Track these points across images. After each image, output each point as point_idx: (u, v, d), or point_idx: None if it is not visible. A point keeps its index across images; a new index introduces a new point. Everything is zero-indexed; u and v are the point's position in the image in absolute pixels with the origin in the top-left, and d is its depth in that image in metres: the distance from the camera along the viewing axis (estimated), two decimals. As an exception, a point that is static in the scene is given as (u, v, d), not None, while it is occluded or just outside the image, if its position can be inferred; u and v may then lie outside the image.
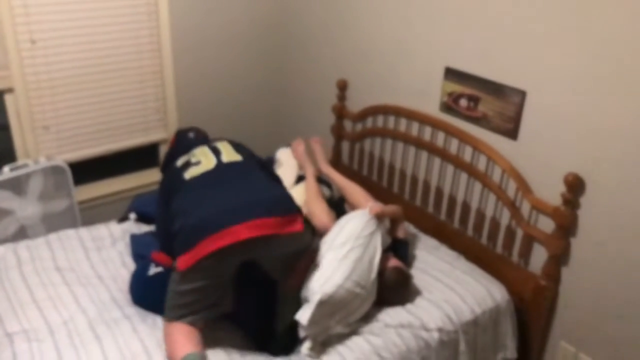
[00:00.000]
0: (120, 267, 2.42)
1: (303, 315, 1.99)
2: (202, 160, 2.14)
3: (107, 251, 2.52)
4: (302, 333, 2.02)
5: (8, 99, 2.93)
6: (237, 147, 2.29)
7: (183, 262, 1.88)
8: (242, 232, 1.86)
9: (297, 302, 2.09)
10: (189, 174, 2.11)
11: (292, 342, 2.08)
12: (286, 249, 2.02)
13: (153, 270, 2.16)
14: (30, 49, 2.90)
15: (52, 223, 3.02)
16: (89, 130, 3.22)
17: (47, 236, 2.62)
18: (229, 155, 2.18)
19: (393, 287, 2.29)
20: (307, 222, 2.10)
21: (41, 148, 3.09)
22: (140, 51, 3.23)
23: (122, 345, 2.00)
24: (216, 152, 2.19)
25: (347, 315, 2.11)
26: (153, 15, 3.20)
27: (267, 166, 2.34)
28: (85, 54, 3.06)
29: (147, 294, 2.16)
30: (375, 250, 2.24)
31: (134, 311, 2.17)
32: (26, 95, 2.95)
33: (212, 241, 1.85)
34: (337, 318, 2.07)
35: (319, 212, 2.38)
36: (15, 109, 2.96)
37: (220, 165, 2.10)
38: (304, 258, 2.13)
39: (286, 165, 2.79)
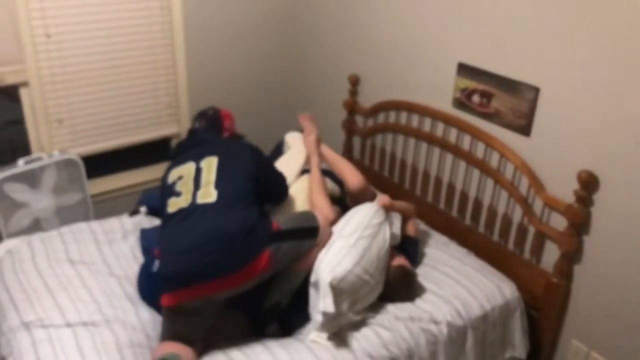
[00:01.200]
0: (131, 260, 2.44)
1: (327, 305, 2.00)
2: (182, 192, 2.12)
3: (118, 244, 2.55)
4: (322, 320, 2.04)
5: (23, 92, 2.96)
6: (224, 168, 2.18)
7: (165, 300, 1.96)
8: (208, 289, 1.93)
9: (293, 282, 2.11)
10: (171, 205, 2.11)
11: (287, 323, 2.13)
12: (259, 281, 2.03)
13: (157, 266, 2.18)
14: (45, 43, 2.92)
15: (66, 216, 3.05)
16: (102, 125, 3.24)
17: (60, 229, 2.64)
18: (206, 191, 2.10)
19: (396, 285, 2.29)
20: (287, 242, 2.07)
21: (55, 141, 3.12)
22: (153, 46, 3.24)
23: (132, 336, 2.03)
24: (197, 182, 2.13)
25: (356, 302, 2.12)
26: (166, 10, 3.21)
27: (249, 181, 2.17)
28: (99, 49, 3.08)
29: (152, 290, 2.19)
30: (384, 241, 2.24)
31: (143, 304, 2.20)
32: (41, 89, 2.98)
33: (178, 294, 1.93)
34: (346, 305, 2.08)
35: (319, 204, 2.37)
36: (30, 103, 2.99)
37: (193, 205, 2.07)
38: (304, 256, 2.13)
39: (294, 149, 2.76)
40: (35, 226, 2.97)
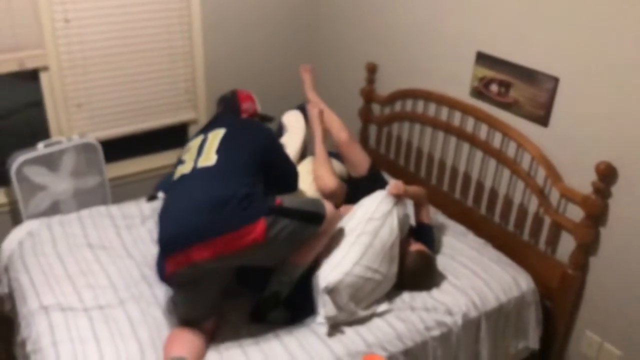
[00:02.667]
0: (150, 245, 2.48)
1: (328, 311, 2.02)
2: (186, 160, 2.15)
3: (137, 229, 2.58)
4: (327, 324, 2.05)
5: (43, 77, 2.99)
6: (229, 138, 2.17)
7: (165, 269, 1.98)
8: (195, 254, 1.88)
9: (292, 274, 2.09)
10: (176, 173, 2.15)
11: (293, 311, 2.12)
12: (253, 257, 1.98)
13: None
14: (65, 27, 2.94)
15: (84, 199, 3.09)
16: (120, 109, 3.27)
17: (79, 212, 2.69)
18: (207, 156, 2.11)
19: (415, 271, 2.28)
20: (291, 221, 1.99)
21: (74, 125, 3.15)
22: (171, 32, 3.25)
23: (149, 320, 2.06)
24: (200, 150, 2.15)
25: (362, 299, 2.11)
26: (184, -4, 3.22)
27: (255, 157, 2.14)
28: (118, 34, 3.10)
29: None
30: (391, 233, 2.20)
31: (162, 288, 2.23)
32: (60, 73, 3.01)
33: (170, 262, 1.93)
34: (351, 303, 2.08)
35: (322, 174, 2.38)
36: (49, 87, 3.02)
37: (193, 170, 2.08)
38: (306, 244, 2.08)
39: (292, 131, 2.74)
40: (54, 209, 3.02)
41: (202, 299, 2.01)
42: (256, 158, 2.11)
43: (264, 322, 2.09)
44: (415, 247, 2.34)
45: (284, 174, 2.31)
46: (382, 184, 2.48)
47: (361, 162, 2.64)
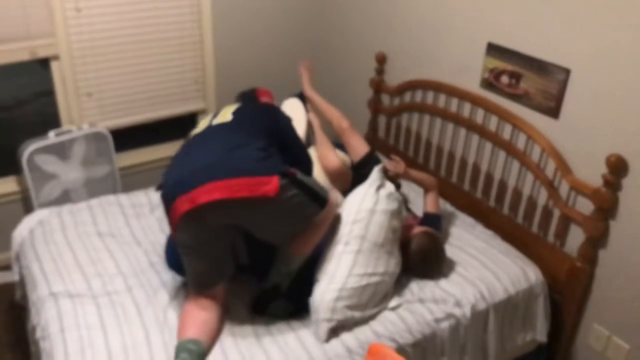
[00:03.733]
0: (158, 233, 2.50)
1: (321, 336, 1.99)
2: (201, 125, 2.14)
3: (146, 218, 2.60)
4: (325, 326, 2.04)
5: (54, 66, 3.01)
6: (245, 107, 2.15)
7: (171, 219, 1.92)
8: (205, 193, 1.81)
9: (290, 266, 2.07)
10: (191, 136, 2.12)
11: (295, 304, 2.11)
12: (257, 216, 1.90)
13: None
14: (76, 17, 2.95)
15: (94, 188, 3.12)
16: (130, 99, 3.28)
17: (89, 201, 2.71)
18: (223, 117, 2.10)
19: (422, 253, 2.25)
20: (300, 192, 1.95)
21: (84, 115, 3.17)
22: (181, 21, 3.25)
23: (156, 306, 2.09)
24: (215, 115, 2.14)
25: (367, 303, 2.09)
26: (194, -15, 3.22)
27: (269, 129, 2.10)
28: (128, 23, 3.11)
29: (179, 258, 2.23)
30: (381, 227, 2.12)
31: (170, 276, 2.25)
32: (71, 62, 3.02)
33: (175, 207, 1.86)
34: (357, 310, 2.06)
35: (325, 152, 2.38)
36: (60, 76, 3.04)
37: (208, 128, 2.06)
38: (307, 231, 2.04)
39: (293, 120, 2.74)
40: (65, 197, 3.05)
41: (207, 264, 1.98)
42: (272, 133, 2.06)
43: (265, 314, 2.08)
44: (419, 229, 2.32)
45: (297, 158, 2.22)
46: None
47: (362, 147, 2.63)
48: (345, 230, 2.11)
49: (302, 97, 2.78)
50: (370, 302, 2.09)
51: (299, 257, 2.08)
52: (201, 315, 1.94)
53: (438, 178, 2.97)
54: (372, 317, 2.11)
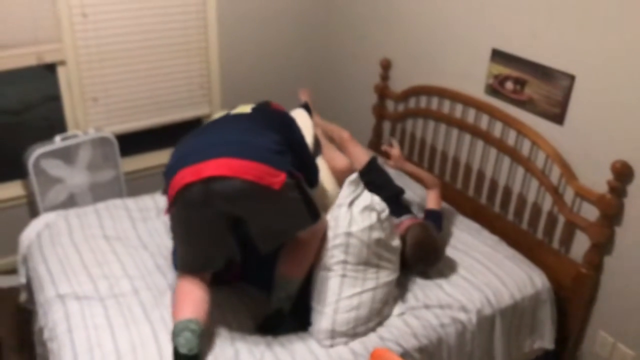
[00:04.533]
0: (165, 237, 2.50)
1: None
2: (215, 116, 2.14)
3: (152, 222, 2.60)
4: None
5: (60, 71, 3.02)
6: (260, 108, 2.14)
7: (167, 207, 1.90)
8: (206, 169, 1.78)
9: (288, 289, 2.05)
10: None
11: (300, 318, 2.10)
12: (259, 204, 1.85)
13: None
14: (82, 22, 2.97)
15: (99, 192, 3.13)
16: (136, 104, 3.30)
17: (95, 205, 2.72)
18: (242, 109, 2.12)
19: (418, 244, 2.22)
20: (296, 194, 1.91)
21: (90, 119, 3.18)
22: (186, 27, 3.27)
23: (163, 310, 2.09)
24: (232, 109, 2.17)
25: (369, 317, 2.07)
26: (200, -9, 3.24)
27: (284, 130, 2.09)
28: (134, 29, 3.12)
29: None
30: (362, 243, 2.05)
31: (173, 278, 2.25)
32: (77, 67, 3.04)
33: (178, 179, 1.82)
34: (356, 327, 2.05)
35: (333, 155, 2.42)
36: (66, 81, 3.05)
37: (226, 116, 2.07)
38: (292, 243, 2.03)
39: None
40: (70, 201, 3.06)
41: (196, 250, 1.97)
42: (286, 134, 2.06)
43: (273, 335, 2.05)
44: (410, 222, 2.32)
45: (305, 164, 2.18)
46: (380, 176, 2.59)
47: (364, 156, 2.68)
48: (327, 256, 2.07)
49: (307, 107, 2.79)
50: (370, 315, 2.08)
51: (293, 280, 2.05)
52: (197, 293, 1.93)
53: (443, 184, 2.97)
54: (378, 325, 2.10)
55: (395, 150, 2.62)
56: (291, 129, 2.16)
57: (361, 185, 2.14)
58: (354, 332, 2.04)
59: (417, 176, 2.60)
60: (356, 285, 2.06)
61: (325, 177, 2.47)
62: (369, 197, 2.11)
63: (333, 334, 2.01)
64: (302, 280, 2.07)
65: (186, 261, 2.00)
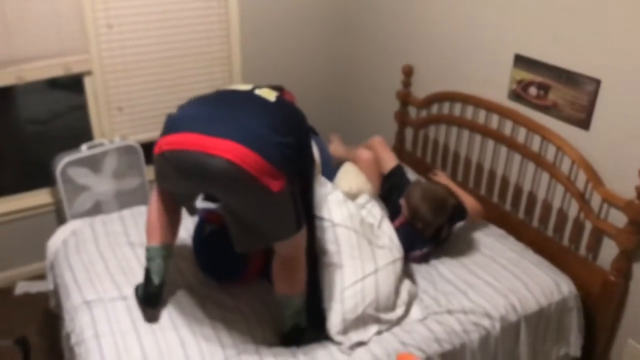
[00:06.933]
0: (188, 241, 2.52)
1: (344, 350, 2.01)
2: (237, 85, 2.08)
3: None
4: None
5: (87, 81, 3.08)
6: (285, 102, 2.07)
7: (156, 146, 1.89)
8: (213, 146, 1.73)
9: (292, 307, 2.03)
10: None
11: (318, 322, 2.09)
12: (248, 198, 1.80)
13: (209, 228, 2.26)
14: (107, 33, 3.03)
15: (125, 200, 3.17)
16: (160, 113, 3.34)
17: (120, 212, 2.76)
18: (267, 92, 2.03)
19: (425, 201, 2.36)
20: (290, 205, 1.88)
21: (115, 128, 3.23)
22: (210, 37, 3.31)
23: (187, 312, 2.12)
24: (259, 87, 2.06)
25: (377, 301, 2.08)
26: (222, 2, 3.27)
27: (296, 130, 2.01)
28: (158, 39, 3.17)
29: (206, 252, 2.29)
30: (348, 230, 2.18)
31: (200, 282, 2.29)
32: (103, 77, 3.09)
33: (182, 138, 1.78)
34: (370, 311, 2.06)
35: (354, 153, 2.59)
36: (92, 91, 3.11)
37: (248, 92, 1.98)
38: (278, 263, 2.02)
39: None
40: (96, 209, 3.10)
41: (170, 188, 2.05)
42: (299, 138, 1.98)
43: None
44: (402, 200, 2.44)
45: (305, 167, 2.15)
46: (402, 181, 2.64)
47: (392, 161, 2.75)
48: (322, 253, 2.15)
49: (314, 131, 2.79)
50: (378, 299, 2.09)
51: (294, 297, 2.03)
52: (168, 218, 2.09)
53: (466, 190, 2.95)
54: (392, 320, 2.11)
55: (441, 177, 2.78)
56: (302, 128, 2.09)
57: (329, 185, 2.35)
58: (364, 318, 2.04)
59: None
60: (356, 271, 2.11)
61: (350, 178, 2.52)
62: (340, 193, 2.33)
63: (344, 324, 2.02)
64: (303, 293, 2.05)
65: (162, 187, 2.08)
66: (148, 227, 2.11)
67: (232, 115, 1.82)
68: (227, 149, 1.72)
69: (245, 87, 2.04)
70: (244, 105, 1.89)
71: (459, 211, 2.52)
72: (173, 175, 1.88)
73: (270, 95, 2.00)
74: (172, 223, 2.12)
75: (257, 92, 1.99)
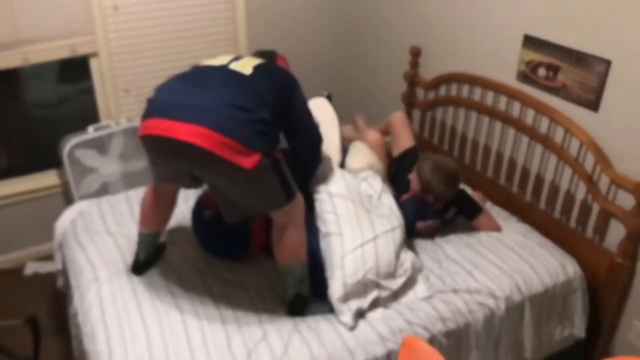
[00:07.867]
0: (190, 221, 2.53)
1: (347, 322, 2.02)
2: (217, 60, 2.06)
3: (179, 207, 2.63)
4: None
5: (93, 63, 3.08)
6: (264, 67, 2.04)
7: (139, 130, 1.92)
8: (179, 131, 1.76)
9: (292, 275, 2.06)
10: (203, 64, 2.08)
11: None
12: (228, 179, 1.86)
13: (207, 213, 2.27)
14: (113, 15, 3.02)
15: (131, 181, 3.18)
16: (167, 94, 3.34)
17: (126, 192, 2.77)
18: (243, 64, 2.01)
19: (436, 173, 2.40)
20: (273, 179, 1.91)
21: (122, 110, 3.24)
22: (216, 17, 3.29)
23: (191, 292, 2.14)
24: (236, 58, 2.06)
25: (377, 267, 2.10)
26: (229, -18, 3.25)
27: (281, 96, 2.02)
28: (164, 20, 3.16)
29: (207, 237, 2.31)
30: (345, 199, 2.25)
31: (204, 262, 2.31)
32: (109, 59, 3.09)
33: (152, 124, 1.83)
34: (370, 277, 2.08)
35: (363, 132, 2.70)
36: (99, 73, 3.11)
37: (225, 67, 1.98)
38: (276, 233, 2.04)
39: (325, 126, 2.55)
40: (103, 190, 3.12)
41: (161, 169, 2.07)
42: (282, 108, 1.99)
43: (305, 315, 2.08)
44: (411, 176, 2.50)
45: (304, 126, 2.19)
46: (413, 161, 2.64)
47: (408, 142, 2.81)
48: (321, 222, 2.21)
49: (329, 97, 2.76)
50: (381, 264, 2.10)
51: (294, 265, 2.05)
52: (159, 206, 2.19)
53: (473, 172, 2.94)
54: (408, 291, 2.14)
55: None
56: (291, 94, 2.08)
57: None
58: (365, 283, 2.05)
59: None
60: (355, 238, 2.14)
61: (361, 155, 2.56)
62: (335, 164, 2.45)
63: (345, 289, 2.03)
64: (304, 262, 2.08)
65: (154, 171, 2.11)
66: (140, 214, 2.24)
67: (201, 97, 1.85)
68: (192, 133, 1.75)
69: (222, 60, 2.05)
70: (214, 84, 1.91)
71: (473, 207, 2.53)
72: (156, 157, 1.98)
73: (247, 68, 1.99)
74: (162, 210, 2.24)
75: (233, 65, 2.00)
